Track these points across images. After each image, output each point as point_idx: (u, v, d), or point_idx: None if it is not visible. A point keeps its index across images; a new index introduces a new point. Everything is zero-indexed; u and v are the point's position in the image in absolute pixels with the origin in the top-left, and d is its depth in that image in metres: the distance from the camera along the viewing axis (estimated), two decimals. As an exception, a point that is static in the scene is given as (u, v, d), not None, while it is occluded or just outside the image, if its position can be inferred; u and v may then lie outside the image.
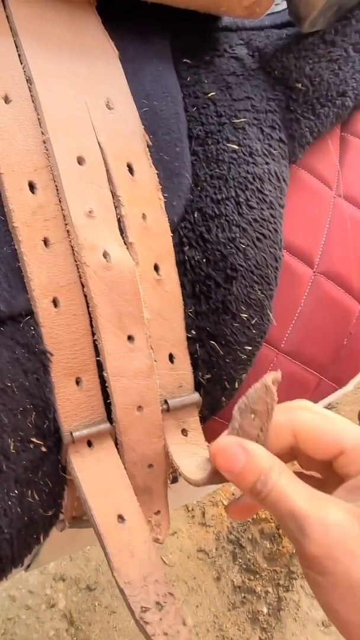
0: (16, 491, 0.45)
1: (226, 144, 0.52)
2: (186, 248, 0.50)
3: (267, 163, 0.54)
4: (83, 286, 0.46)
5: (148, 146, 0.50)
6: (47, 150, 0.45)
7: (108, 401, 0.48)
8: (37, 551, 0.60)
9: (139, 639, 1.32)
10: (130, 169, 0.48)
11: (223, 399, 0.55)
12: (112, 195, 0.48)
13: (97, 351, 0.47)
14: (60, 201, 0.45)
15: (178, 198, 0.50)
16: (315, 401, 0.67)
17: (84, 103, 0.47)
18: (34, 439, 0.45)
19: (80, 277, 0.45)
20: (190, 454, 0.49)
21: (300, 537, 0.33)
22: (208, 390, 0.53)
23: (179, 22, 0.56)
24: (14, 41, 0.46)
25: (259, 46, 0.59)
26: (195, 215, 0.51)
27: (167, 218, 0.50)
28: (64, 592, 1.40)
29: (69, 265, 0.45)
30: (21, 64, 0.46)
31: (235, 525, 1.58)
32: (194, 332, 0.51)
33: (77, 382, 0.46)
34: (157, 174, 0.50)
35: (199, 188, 0.51)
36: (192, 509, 1.60)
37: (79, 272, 0.45)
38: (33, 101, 0.46)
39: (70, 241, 0.45)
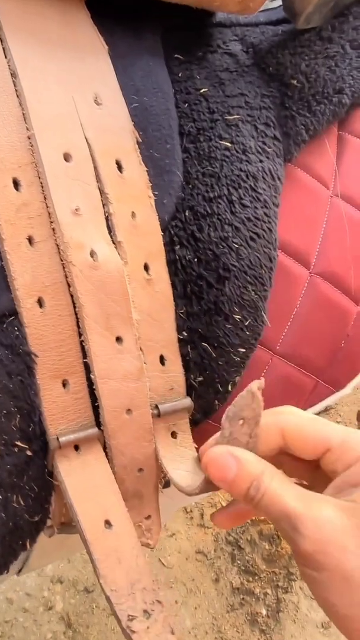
0: (0, 496, 0.43)
1: (219, 141, 0.51)
2: (177, 247, 0.48)
3: (261, 161, 0.52)
4: (69, 286, 0.44)
5: (138, 143, 0.48)
6: (32, 146, 0.43)
7: (96, 404, 0.46)
8: (27, 557, 0.58)
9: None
10: (119, 166, 0.47)
11: (216, 402, 0.53)
12: (100, 193, 0.46)
13: (84, 353, 0.45)
14: (45, 198, 0.43)
15: (169, 196, 0.48)
16: (313, 404, 0.66)
17: (71, 98, 0.46)
18: (18, 443, 0.43)
19: (66, 277, 0.44)
20: (179, 457, 0.48)
21: (295, 536, 0.33)
22: (200, 394, 0.51)
23: (171, 18, 0.54)
24: None
25: (254, 42, 0.57)
26: (187, 213, 0.49)
27: (157, 216, 0.48)
28: (62, 594, 1.38)
29: (55, 265, 0.43)
30: (5, 57, 0.44)
31: (234, 527, 1.56)
32: (185, 334, 0.49)
33: (64, 384, 0.45)
34: (147, 171, 0.48)
35: (190, 186, 0.49)
36: (191, 511, 1.58)
37: (64, 271, 0.44)
38: (18, 96, 0.44)
39: (55, 239, 0.43)
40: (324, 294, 0.58)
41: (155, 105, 0.49)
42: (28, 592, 1.37)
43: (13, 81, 0.44)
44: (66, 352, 0.44)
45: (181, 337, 0.49)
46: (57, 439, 0.44)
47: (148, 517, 0.52)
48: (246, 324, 0.51)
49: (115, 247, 0.45)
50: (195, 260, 0.49)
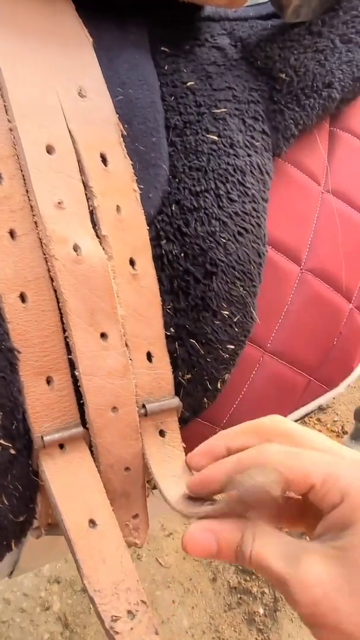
0: None
1: (205, 135, 0.49)
2: (163, 242, 0.47)
3: (249, 155, 0.51)
4: (52, 281, 0.42)
5: (123, 136, 0.46)
6: (13, 138, 0.42)
7: (81, 402, 0.44)
8: (16, 558, 0.57)
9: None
10: (104, 159, 0.45)
11: (205, 400, 0.51)
12: (84, 186, 0.44)
13: (69, 350, 0.43)
14: (27, 192, 0.42)
15: (154, 190, 0.47)
16: (305, 402, 0.64)
17: (54, 90, 0.44)
18: (1, 441, 0.42)
19: (49, 271, 0.42)
20: (167, 457, 0.46)
21: (289, 600, 0.33)
22: (189, 391, 0.50)
23: (158, 11, 0.52)
24: None
25: (242, 36, 0.56)
26: (173, 207, 0.47)
27: (142, 210, 0.46)
28: (59, 594, 1.37)
29: (37, 259, 0.42)
30: None
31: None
32: (172, 330, 0.48)
33: (48, 381, 0.43)
34: (132, 164, 0.46)
35: (176, 180, 0.48)
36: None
37: (47, 266, 0.42)
38: None
39: (38, 233, 0.42)
40: (315, 290, 0.57)
41: (141, 98, 0.48)
42: (25, 592, 1.36)
43: None
44: (50, 349, 0.43)
45: (168, 333, 0.48)
46: (42, 438, 0.42)
47: (135, 516, 0.51)
48: (235, 320, 0.50)
49: (100, 242, 0.44)
50: (182, 255, 0.47)
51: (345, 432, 1.84)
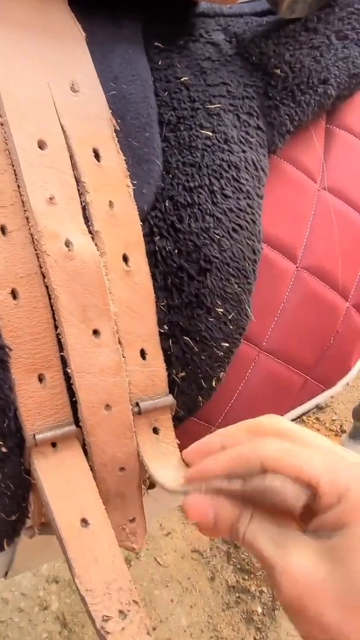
0: None
1: (199, 130, 0.48)
2: (157, 238, 0.46)
3: (243, 151, 0.50)
4: (44, 277, 0.41)
5: (116, 131, 0.46)
6: (5, 133, 0.41)
7: (74, 399, 0.43)
8: (10, 558, 0.56)
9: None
10: (97, 155, 0.44)
11: (200, 398, 0.50)
12: (77, 182, 0.43)
13: (61, 347, 0.43)
14: (19, 187, 0.41)
15: (148, 185, 0.46)
16: (302, 402, 0.63)
17: (47, 85, 0.43)
18: None
19: (40, 268, 0.41)
20: (161, 454, 0.45)
21: (274, 586, 0.33)
22: (183, 389, 0.49)
23: (152, 7, 0.52)
24: None
25: (237, 32, 0.55)
26: (167, 203, 0.46)
27: (136, 206, 0.45)
28: (57, 594, 1.36)
29: (29, 255, 0.41)
30: None
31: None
32: (166, 327, 0.47)
33: (40, 379, 0.42)
34: (125, 160, 0.46)
35: (170, 175, 0.47)
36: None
37: (39, 262, 0.41)
38: None
39: (29, 229, 0.41)
40: (311, 288, 0.56)
41: (134, 93, 0.47)
42: (23, 592, 1.35)
43: None
44: (42, 346, 0.42)
45: (162, 330, 0.47)
46: (34, 436, 0.42)
47: (132, 519, 0.50)
48: (229, 317, 0.49)
49: (93, 238, 0.43)
50: (176, 251, 0.46)
51: (343, 431, 1.83)
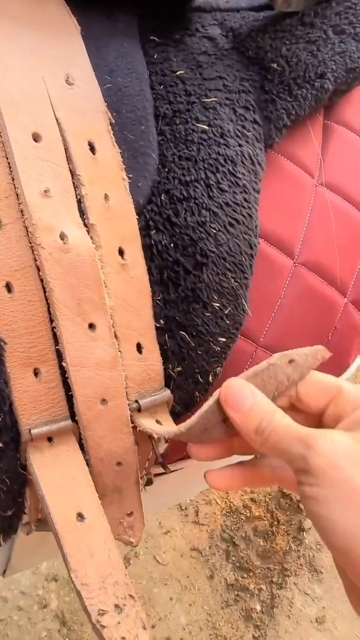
0: None
1: (195, 124, 0.48)
2: (153, 232, 0.46)
3: (240, 145, 0.49)
4: (39, 270, 0.41)
5: (111, 124, 0.45)
6: None
7: (70, 393, 0.43)
8: (8, 556, 0.56)
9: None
10: (92, 148, 0.44)
11: (196, 393, 0.50)
12: (72, 175, 0.43)
13: (57, 341, 0.42)
14: (13, 180, 0.40)
15: (144, 179, 0.45)
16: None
17: (41, 78, 0.43)
18: None
19: (35, 261, 0.41)
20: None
21: (308, 453, 0.34)
22: (179, 384, 0.48)
23: (148, 1, 0.51)
24: None
25: (234, 27, 0.54)
26: (162, 197, 0.46)
27: (131, 199, 0.45)
28: (56, 592, 1.35)
29: (23, 248, 0.40)
30: None
31: (229, 524, 1.54)
32: (162, 322, 0.46)
33: (36, 373, 0.42)
34: (120, 153, 0.45)
35: (166, 169, 0.47)
36: (186, 508, 1.56)
37: (34, 255, 0.40)
38: None
39: (24, 222, 0.40)
40: (308, 284, 0.56)
41: (130, 86, 0.47)
42: (23, 590, 1.35)
43: None
44: (37, 340, 0.41)
45: (158, 325, 0.46)
46: (29, 431, 0.41)
47: (130, 514, 0.49)
48: (226, 312, 0.48)
49: (88, 231, 0.43)
50: (172, 245, 0.46)
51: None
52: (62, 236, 0.41)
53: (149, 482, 0.52)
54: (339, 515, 0.33)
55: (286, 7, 0.52)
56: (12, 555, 0.56)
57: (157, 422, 0.47)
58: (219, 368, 0.50)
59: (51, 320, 0.42)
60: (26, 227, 0.40)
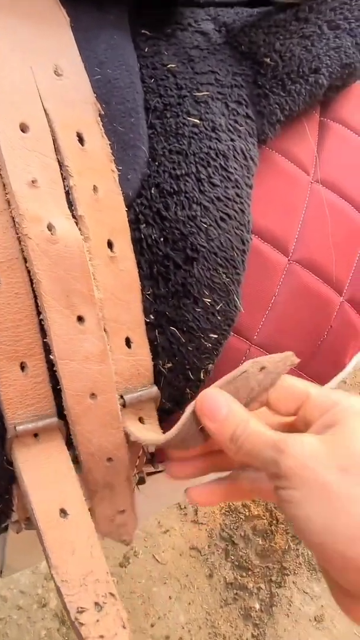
0: None
1: (186, 118, 0.47)
2: (142, 226, 0.44)
3: (232, 139, 0.48)
4: (26, 262, 0.39)
5: (100, 115, 0.44)
6: None
7: (58, 387, 0.42)
8: (2, 556, 0.54)
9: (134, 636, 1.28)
10: (80, 139, 0.43)
11: (187, 390, 0.48)
12: (60, 166, 0.42)
13: (43, 334, 0.41)
14: (0, 170, 0.39)
15: (133, 171, 0.44)
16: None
17: (29, 69, 0.42)
18: None
19: (22, 252, 0.39)
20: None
21: (279, 456, 0.35)
22: (170, 381, 0.47)
23: None
24: None
25: (227, 22, 0.53)
26: (153, 191, 0.45)
27: (121, 192, 0.44)
28: (56, 591, 1.34)
29: (10, 239, 0.39)
30: None
31: (228, 523, 1.53)
32: (152, 317, 0.45)
33: (22, 367, 0.41)
34: (110, 145, 0.44)
35: (156, 163, 0.45)
36: (185, 507, 1.55)
37: (21, 246, 0.39)
38: None
39: (10, 212, 0.39)
40: (303, 282, 0.55)
41: (120, 79, 0.45)
42: (22, 589, 1.34)
43: None
44: (24, 333, 0.40)
45: (148, 320, 0.45)
46: (15, 427, 0.40)
47: (122, 511, 0.48)
48: (217, 308, 0.47)
49: (76, 222, 0.41)
50: (162, 239, 0.44)
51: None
52: (50, 227, 0.39)
53: (142, 481, 0.51)
54: (313, 513, 0.34)
55: (282, -1, 0.51)
56: (5, 554, 0.55)
57: (141, 419, 0.46)
58: (210, 365, 0.49)
59: (38, 313, 0.40)
60: (13, 218, 0.39)
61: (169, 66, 0.48)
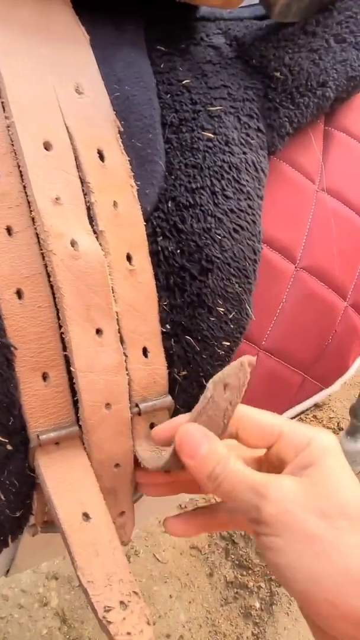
0: None
1: (201, 132, 0.48)
2: (160, 238, 0.46)
3: (244, 152, 0.50)
4: (49, 277, 0.41)
5: (119, 132, 0.46)
6: (11, 134, 0.41)
7: (75, 398, 0.44)
8: (13, 556, 0.56)
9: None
10: (101, 156, 0.44)
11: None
12: (82, 182, 0.43)
13: (64, 346, 0.43)
14: (25, 188, 0.41)
15: (151, 186, 0.46)
16: (300, 400, 0.64)
17: (52, 87, 0.43)
18: None
19: (46, 267, 0.41)
20: (154, 447, 0.46)
21: (260, 502, 0.35)
22: (184, 388, 0.49)
23: (154, 11, 0.52)
24: None
25: (237, 35, 0.55)
26: (169, 204, 0.47)
27: (139, 206, 0.45)
28: (57, 590, 1.36)
29: (34, 255, 0.41)
30: None
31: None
32: (168, 327, 0.47)
33: (44, 377, 0.42)
34: (129, 160, 0.46)
35: (173, 177, 0.47)
36: (185, 507, 1.56)
37: (44, 262, 0.41)
38: None
39: (35, 229, 0.41)
40: (310, 288, 0.57)
41: (137, 95, 0.47)
42: (23, 588, 1.35)
43: None
44: (46, 345, 0.42)
45: (164, 330, 0.47)
46: (38, 436, 0.42)
47: (121, 513, 0.50)
48: (230, 317, 0.49)
49: (97, 238, 0.43)
50: (178, 251, 0.46)
51: (341, 429, 1.83)
52: (73, 243, 0.41)
53: None
54: (295, 561, 0.33)
55: (283, 17, 0.52)
56: (16, 555, 0.56)
57: (152, 425, 0.48)
58: (222, 371, 0.51)
59: (59, 326, 0.42)
60: (37, 235, 0.41)
61: (184, 82, 0.49)
